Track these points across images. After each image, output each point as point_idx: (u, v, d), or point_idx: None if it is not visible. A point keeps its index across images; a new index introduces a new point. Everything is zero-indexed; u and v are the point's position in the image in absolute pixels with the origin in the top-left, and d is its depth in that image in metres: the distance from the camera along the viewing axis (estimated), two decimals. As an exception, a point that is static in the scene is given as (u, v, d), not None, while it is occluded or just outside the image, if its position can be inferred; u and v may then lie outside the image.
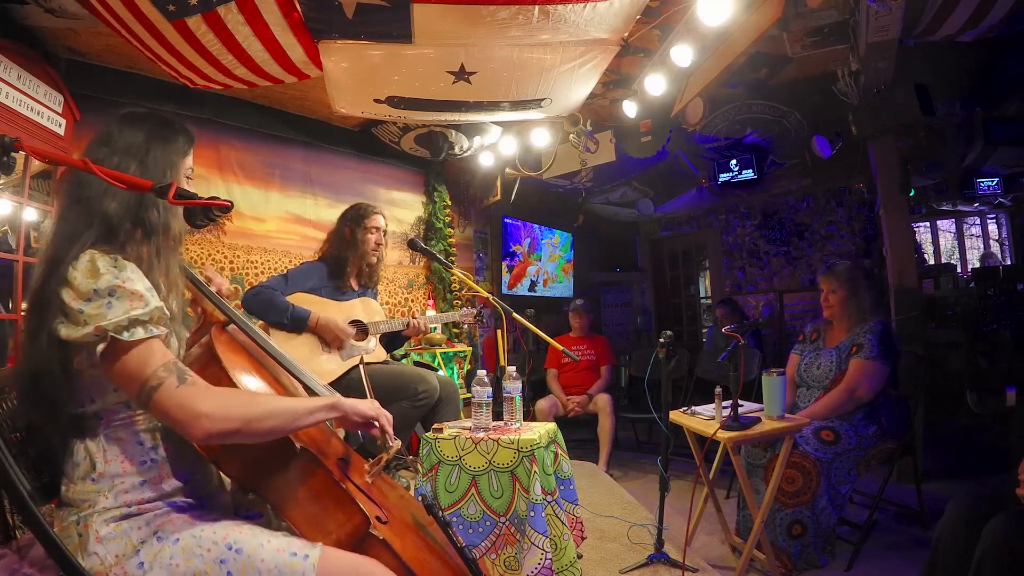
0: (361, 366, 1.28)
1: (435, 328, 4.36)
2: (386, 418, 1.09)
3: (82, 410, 0.91)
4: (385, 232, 2.66)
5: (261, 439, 0.91)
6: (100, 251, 0.89)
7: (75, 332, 0.84)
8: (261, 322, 2.51)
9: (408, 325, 2.61)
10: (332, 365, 2.44)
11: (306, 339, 2.42)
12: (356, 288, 2.67)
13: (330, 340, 2.44)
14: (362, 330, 2.56)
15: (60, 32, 2.70)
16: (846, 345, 2.30)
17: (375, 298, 2.76)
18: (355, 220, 2.61)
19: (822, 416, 2.20)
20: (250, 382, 1.00)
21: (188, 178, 1.07)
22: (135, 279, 0.89)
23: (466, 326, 4.81)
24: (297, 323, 2.38)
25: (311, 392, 1.14)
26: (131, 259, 0.91)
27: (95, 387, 0.91)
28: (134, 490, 0.90)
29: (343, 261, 2.59)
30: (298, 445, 0.94)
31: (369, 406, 1.06)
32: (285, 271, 2.60)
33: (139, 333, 0.86)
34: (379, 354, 2.62)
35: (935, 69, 3.39)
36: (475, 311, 2.80)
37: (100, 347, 0.85)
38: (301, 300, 2.45)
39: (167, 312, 0.92)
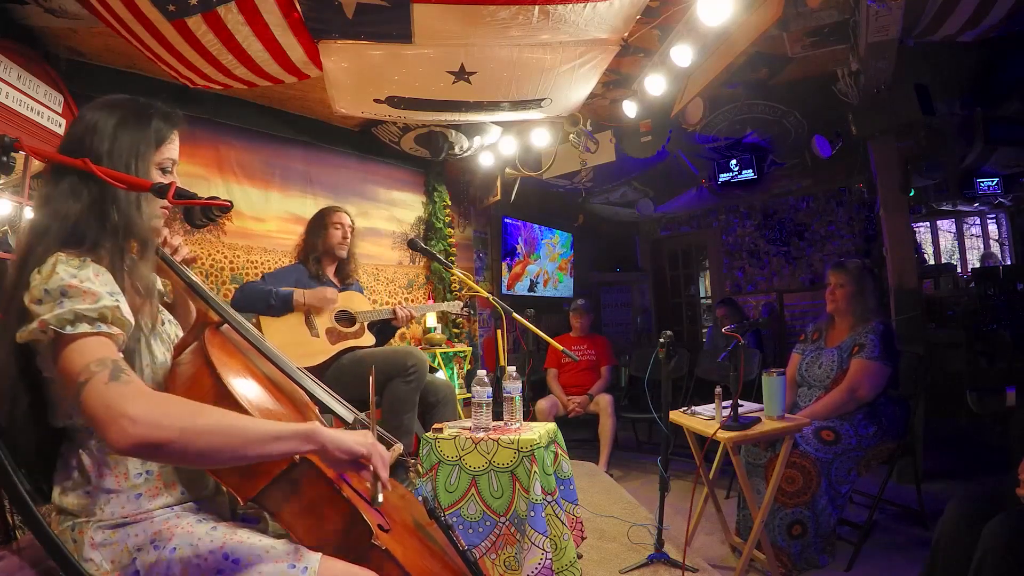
0: (371, 382, 1.15)
1: (435, 328, 4.37)
2: (380, 458, 0.90)
3: (70, 422, 0.89)
4: (351, 228, 2.77)
5: (202, 461, 0.80)
6: (68, 253, 0.85)
7: (25, 332, 0.80)
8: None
9: (395, 314, 2.66)
10: (319, 348, 2.47)
11: (293, 326, 2.45)
12: (336, 283, 2.73)
13: (323, 308, 2.52)
14: (348, 318, 2.60)
15: (60, 32, 2.70)
16: (848, 345, 2.31)
17: (361, 292, 2.82)
18: (320, 220, 2.75)
19: (822, 416, 2.20)
20: (244, 385, 0.96)
21: (165, 170, 0.99)
22: (95, 280, 0.84)
23: (462, 321, 4.83)
24: (283, 302, 2.44)
25: (311, 396, 1.10)
26: (102, 262, 0.87)
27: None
28: (130, 503, 0.88)
29: (317, 260, 2.69)
30: None
31: (360, 440, 0.87)
32: (263, 274, 2.73)
33: (83, 327, 0.80)
34: (367, 339, 2.65)
35: (935, 69, 3.39)
36: (463, 303, 2.86)
37: (46, 345, 0.81)
38: None
39: (127, 317, 0.86)
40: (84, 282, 0.82)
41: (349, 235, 2.73)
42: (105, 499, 0.87)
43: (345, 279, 2.78)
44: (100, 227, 0.90)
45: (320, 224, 2.73)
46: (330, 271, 2.73)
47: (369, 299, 2.86)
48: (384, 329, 2.76)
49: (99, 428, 0.75)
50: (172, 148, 1.01)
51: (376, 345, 2.72)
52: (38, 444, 0.89)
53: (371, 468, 0.89)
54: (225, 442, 0.78)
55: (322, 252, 2.69)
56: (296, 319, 2.48)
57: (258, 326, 2.41)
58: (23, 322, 0.82)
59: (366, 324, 2.66)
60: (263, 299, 2.42)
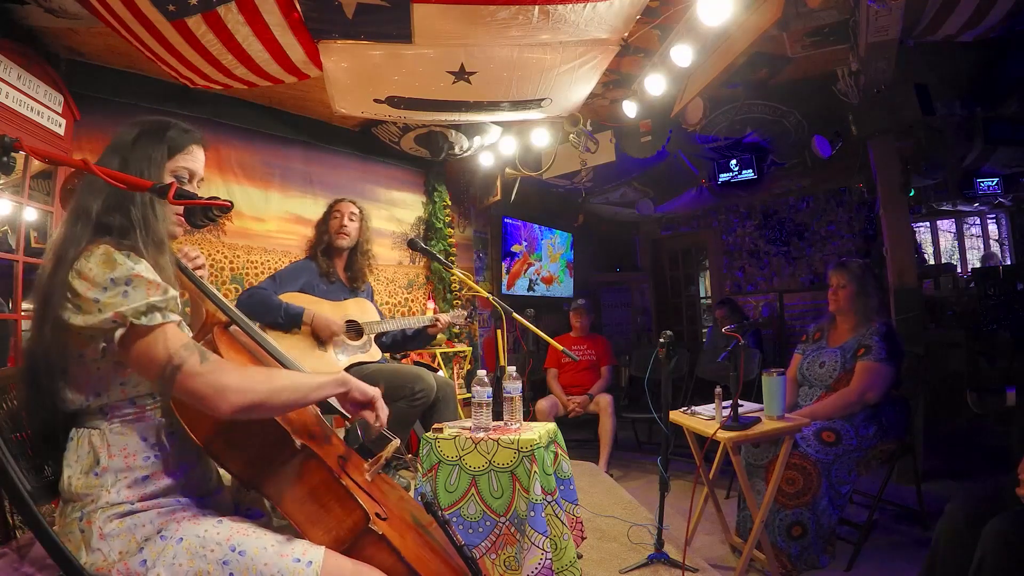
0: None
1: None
2: (382, 404, 1.09)
3: (87, 404, 0.92)
4: (356, 216, 2.69)
5: (280, 412, 0.94)
6: (113, 245, 0.90)
7: (92, 319, 0.85)
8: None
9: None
10: (328, 365, 2.44)
11: (301, 339, 2.43)
12: (345, 282, 2.69)
13: (324, 338, 2.46)
14: (356, 330, 2.57)
15: (60, 32, 2.70)
16: (851, 346, 2.30)
17: (372, 299, 2.77)
18: (326, 211, 2.72)
19: (824, 416, 2.20)
20: None
21: (181, 179, 1.04)
22: (152, 272, 0.91)
23: (458, 327, 4.83)
24: (291, 320, 2.41)
25: None
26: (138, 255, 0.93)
27: (100, 381, 0.92)
28: (137, 485, 0.90)
29: (326, 254, 2.66)
30: (298, 443, 0.95)
31: (372, 389, 1.08)
32: (274, 273, 2.65)
33: (157, 318, 0.88)
34: (374, 354, 2.62)
35: (935, 69, 3.39)
36: (466, 312, 2.80)
37: (119, 333, 0.86)
38: (294, 299, 2.47)
39: (180, 305, 0.94)
40: (144, 272, 0.90)
41: (349, 224, 2.66)
42: (113, 480, 0.89)
43: (355, 280, 2.72)
44: (124, 219, 0.95)
45: (324, 214, 2.72)
46: (340, 267, 2.70)
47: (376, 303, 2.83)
48: (420, 335, 2.75)
49: (205, 401, 0.86)
50: (188, 159, 1.06)
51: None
52: (50, 429, 0.93)
53: (375, 406, 1.07)
54: (295, 395, 0.94)
55: (326, 244, 2.66)
56: (304, 330, 2.46)
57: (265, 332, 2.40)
58: (77, 308, 0.86)
59: (373, 337, 2.62)
60: (272, 313, 2.39)
